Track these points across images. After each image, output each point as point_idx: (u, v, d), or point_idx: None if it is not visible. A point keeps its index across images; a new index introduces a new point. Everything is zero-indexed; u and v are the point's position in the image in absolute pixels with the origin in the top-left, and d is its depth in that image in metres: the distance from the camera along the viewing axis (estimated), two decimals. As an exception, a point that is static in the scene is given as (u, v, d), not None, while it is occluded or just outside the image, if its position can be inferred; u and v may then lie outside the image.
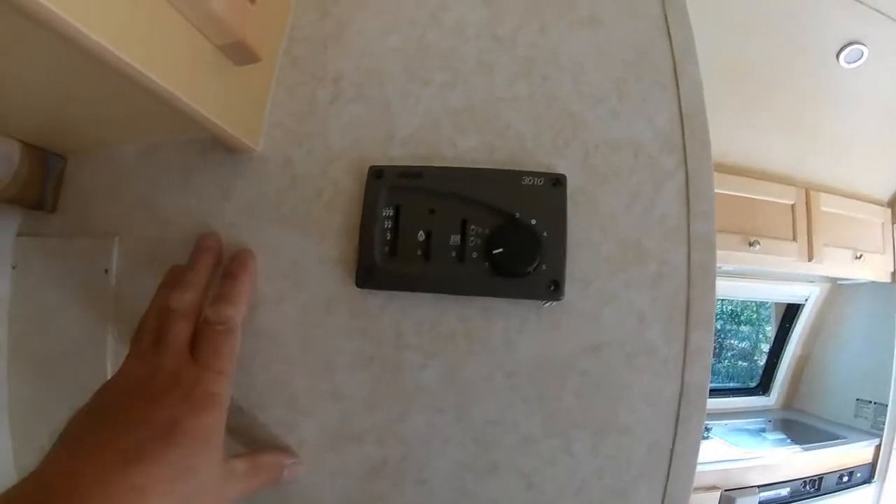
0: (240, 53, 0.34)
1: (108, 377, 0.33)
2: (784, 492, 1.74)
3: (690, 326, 0.36)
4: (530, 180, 0.35)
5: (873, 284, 1.98)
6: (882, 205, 1.96)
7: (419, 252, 0.35)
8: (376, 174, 0.36)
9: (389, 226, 0.36)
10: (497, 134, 0.39)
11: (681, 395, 0.35)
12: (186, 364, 0.31)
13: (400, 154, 0.39)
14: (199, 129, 0.36)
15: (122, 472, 0.26)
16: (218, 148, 0.41)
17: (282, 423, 0.38)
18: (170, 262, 0.39)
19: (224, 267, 0.37)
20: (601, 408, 0.36)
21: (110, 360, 0.42)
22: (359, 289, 0.36)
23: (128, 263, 0.42)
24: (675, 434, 0.35)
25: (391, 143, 0.39)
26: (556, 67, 0.39)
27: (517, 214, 0.35)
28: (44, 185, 0.47)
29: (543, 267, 0.34)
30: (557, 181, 0.36)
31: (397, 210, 0.36)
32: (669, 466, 0.35)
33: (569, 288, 0.35)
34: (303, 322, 0.38)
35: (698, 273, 0.36)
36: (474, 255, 0.35)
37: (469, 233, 0.35)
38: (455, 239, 0.35)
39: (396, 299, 0.37)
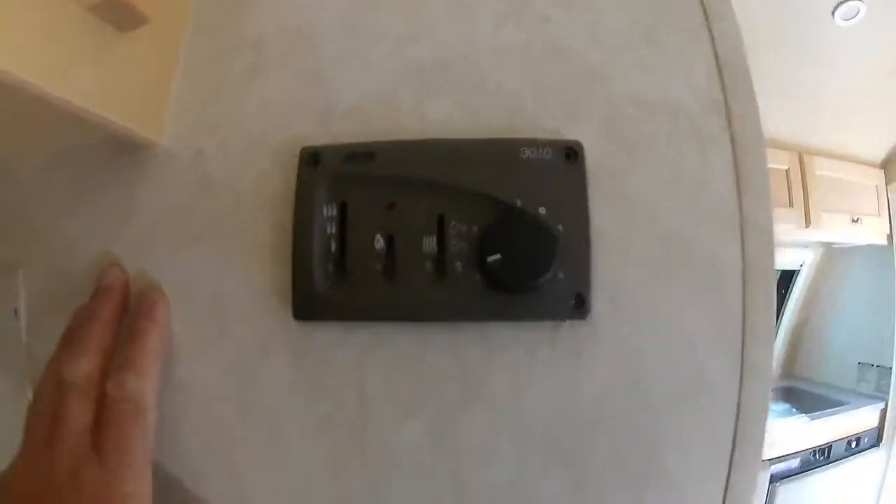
0: (119, 15, 0.25)
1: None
2: (794, 463, 1.70)
3: (747, 340, 0.27)
4: (533, 153, 0.25)
5: (869, 247, 1.95)
6: (875, 166, 1.92)
7: (378, 266, 0.24)
8: (311, 159, 0.26)
9: (333, 231, 0.25)
10: (482, 97, 0.28)
11: (735, 427, 0.27)
12: (87, 461, 0.25)
13: (344, 130, 0.28)
14: (85, 127, 0.27)
15: None
16: (122, 149, 0.31)
17: (227, 496, 0.29)
18: (81, 299, 0.30)
19: (129, 315, 0.29)
20: (643, 462, 0.27)
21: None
22: (302, 323, 0.26)
23: (37, 302, 0.34)
24: (728, 477, 0.27)
25: (330, 117, 0.29)
26: (560, 6, 0.29)
27: (518, 202, 0.24)
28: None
29: (561, 275, 0.24)
30: (572, 152, 0.25)
31: (343, 208, 0.25)
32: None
33: (593, 303, 0.25)
34: (234, 370, 0.29)
35: (756, 271, 0.28)
36: (459, 265, 0.24)
37: (450, 233, 0.24)
38: (430, 244, 0.24)
39: (355, 332, 0.27)
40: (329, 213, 0.25)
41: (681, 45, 0.29)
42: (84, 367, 0.27)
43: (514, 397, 0.26)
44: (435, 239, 0.24)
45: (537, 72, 0.29)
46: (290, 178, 0.27)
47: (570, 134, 0.27)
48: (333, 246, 0.25)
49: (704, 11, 0.30)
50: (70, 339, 0.28)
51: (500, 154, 0.25)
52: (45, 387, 0.28)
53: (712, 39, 0.29)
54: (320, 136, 0.28)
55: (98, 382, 0.27)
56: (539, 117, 0.28)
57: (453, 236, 0.24)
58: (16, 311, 0.35)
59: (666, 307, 0.26)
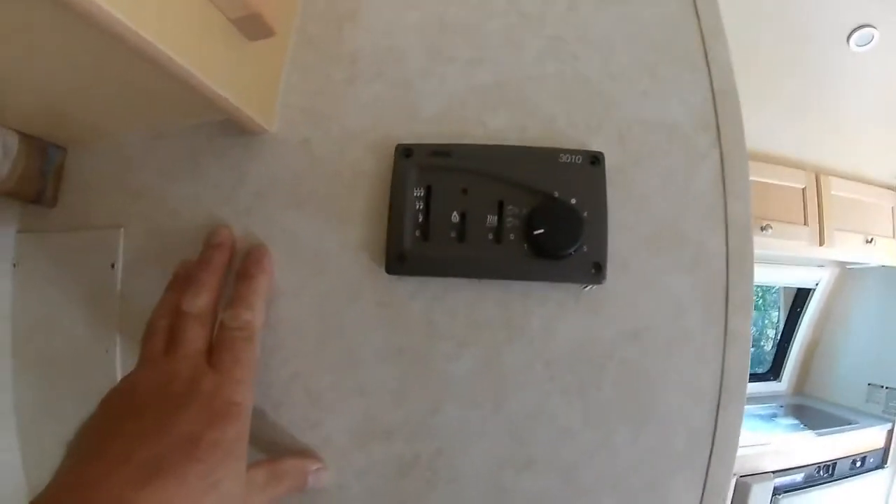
0: (254, 27, 0.32)
1: (118, 378, 0.32)
2: (798, 477, 1.73)
3: (730, 312, 0.34)
4: (568, 158, 0.33)
5: (883, 268, 1.97)
6: (891, 189, 1.95)
7: (453, 234, 0.33)
8: (405, 153, 0.34)
9: (421, 207, 0.33)
10: (527, 113, 0.37)
11: (721, 382, 0.34)
12: (204, 372, 0.30)
13: (425, 132, 0.36)
14: (209, 111, 0.34)
15: (139, 490, 0.24)
16: (229, 131, 0.38)
17: (304, 421, 0.36)
18: (179, 255, 0.37)
19: (239, 265, 0.35)
20: (641, 397, 0.34)
21: (119, 360, 0.40)
22: (386, 275, 0.34)
23: (134, 257, 0.40)
24: (716, 422, 0.34)
25: (415, 121, 0.37)
26: (585, 46, 0.37)
27: (556, 193, 0.33)
28: (43, 177, 0.45)
29: (585, 249, 0.32)
30: (596, 159, 0.34)
31: (428, 190, 0.33)
32: (710, 455, 0.34)
33: (608, 271, 0.33)
34: (324, 312, 0.36)
35: (736, 256, 0.35)
36: (512, 236, 0.32)
37: (506, 213, 0.33)
38: (492, 220, 0.33)
39: (428, 285, 0.35)
40: (418, 194, 0.33)
41: (680, 76, 0.37)
42: (202, 300, 0.32)
43: (546, 338, 0.34)
44: (496, 217, 0.33)
45: (567, 95, 0.37)
46: (382, 164, 0.36)
47: (591, 144, 0.35)
48: (420, 218, 0.33)
49: (704, 49, 0.37)
50: (188, 280, 0.33)
51: (545, 158, 0.34)
52: (161, 317, 0.33)
53: (709, 72, 0.37)
54: (406, 135, 0.36)
55: (211, 315, 0.33)
56: (568, 131, 0.36)
57: (509, 215, 0.33)
58: (113, 266, 0.40)
59: (660, 276, 0.34)
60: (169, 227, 0.39)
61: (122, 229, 0.40)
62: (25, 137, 0.43)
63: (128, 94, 0.36)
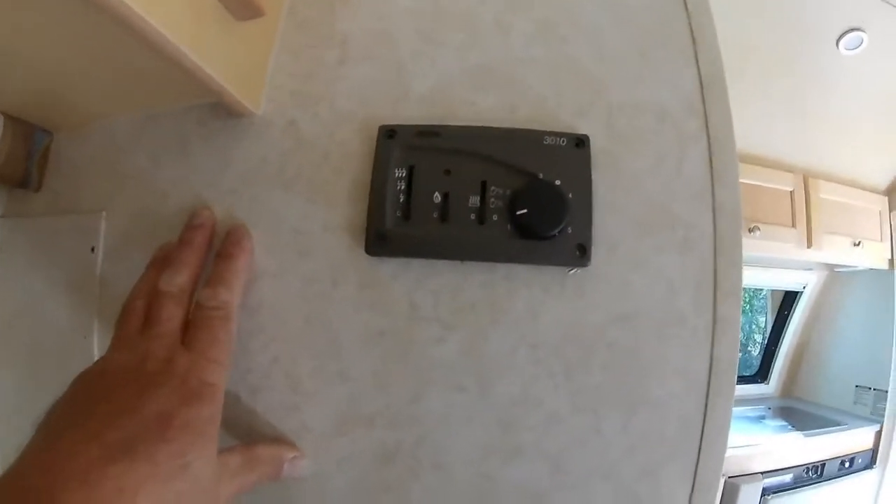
0: (242, 7, 0.32)
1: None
2: (787, 478, 1.73)
3: (719, 297, 0.34)
4: (552, 140, 0.33)
5: (871, 272, 1.99)
6: (879, 193, 1.96)
7: (435, 214, 0.33)
8: (388, 133, 0.34)
9: (402, 187, 0.33)
10: (517, 94, 0.36)
11: (710, 368, 0.34)
12: (179, 351, 0.29)
13: (414, 113, 0.36)
14: (197, 93, 0.34)
15: (107, 470, 0.23)
16: (217, 114, 0.38)
17: (283, 407, 0.35)
18: (162, 238, 0.36)
19: (219, 245, 0.35)
20: (631, 382, 0.33)
21: (97, 346, 0.40)
22: (368, 257, 0.34)
23: (116, 241, 0.40)
24: (706, 410, 0.34)
25: (404, 102, 0.37)
26: (574, 29, 0.37)
27: (540, 174, 0.32)
28: (28, 161, 0.44)
29: (569, 230, 0.32)
30: (580, 141, 0.34)
31: (410, 170, 0.33)
32: (700, 444, 0.33)
33: (594, 252, 0.33)
34: (306, 295, 0.35)
35: (724, 241, 0.35)
36: (495, 217, 0.32)
37: (489, 194, 0.32)
38: (474, 200, 0.32)
39: (410, 267, 0.34)
40: (399, 174, 0.33)
41: (669, 61, 0.37)
42: (180, 279, 0.32)
43: (532, 321, 0.34)
44: (479, 197, 0.33)
45: (556, 77, 0.37)
46: (369, 146, 0.35)
47: (579, 126, 0.35)
48: (402, 198, 0.33)
49: (692, 35, 0.37)
50: (166, 259, 0.33)
51: (530, 139, 0.34)
52: (138, 296, 0.32)
53: (696, 58, 0.37)
54: (394, 117, 0.36)
55: (189, 294, 0.32)
56: (557, 112, 0.36)
57: (492, 196, 0.32)
58: (93, 249, 0.40)
59: (649, 257, 0.34)
60: (155, 210, 0.39)
61: (104, 213, 0.40)
62: (12, 120, 0.42)
63: (116, 74, 0.35)
